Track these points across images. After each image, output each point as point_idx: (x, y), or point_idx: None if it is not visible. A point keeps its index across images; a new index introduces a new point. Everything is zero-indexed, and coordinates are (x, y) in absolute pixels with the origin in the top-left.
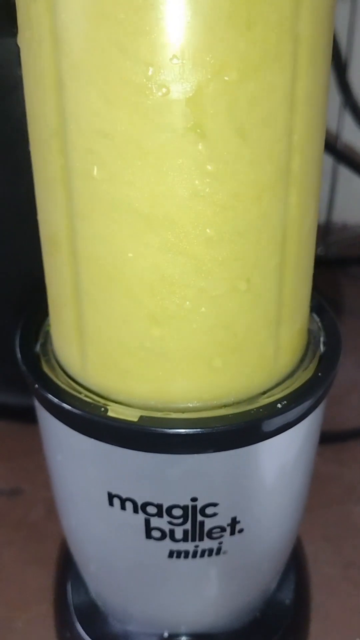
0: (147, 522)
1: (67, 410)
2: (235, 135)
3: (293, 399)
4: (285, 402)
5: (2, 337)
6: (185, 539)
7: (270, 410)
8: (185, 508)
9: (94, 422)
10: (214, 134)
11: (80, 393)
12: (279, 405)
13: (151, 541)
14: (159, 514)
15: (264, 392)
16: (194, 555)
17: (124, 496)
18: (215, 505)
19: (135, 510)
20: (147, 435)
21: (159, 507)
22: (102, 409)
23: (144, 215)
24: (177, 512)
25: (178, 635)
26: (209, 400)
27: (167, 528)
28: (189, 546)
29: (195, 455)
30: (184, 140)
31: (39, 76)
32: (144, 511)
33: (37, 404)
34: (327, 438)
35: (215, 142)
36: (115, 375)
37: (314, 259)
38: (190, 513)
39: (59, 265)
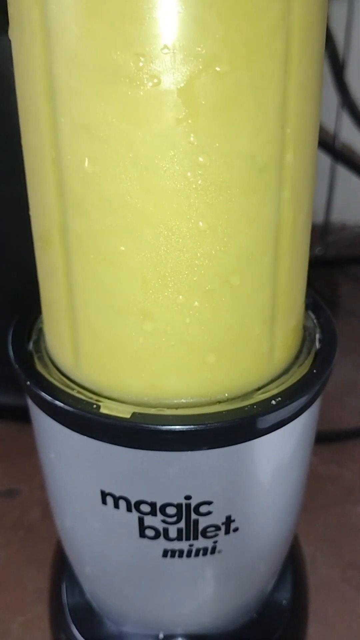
0: (141, 520)
1: (59, 407)
2: (227, 126)
3: (288, 395)
4: (279, 398)
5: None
6: (179, 537)
7: (265, 407)
8: (179, 506)
9: (86, 419)
10: (205, 125)
11: (72, 390)
12: (274, 402)
13: (145, 540)
14: (153, 513)
15: (259, 389)
16: (189, 554)
17: (117, 494)
18: (209, 503)
19: (129, 509)
20: (139, 432)
21: (153, 505)
22: (95, 405)
23: (136, 208)
24: (171, 510)
25: (174, 636)
26: (203, 396)
27: (161, 527)
28: (184, 545)
29: (189, 452)
30: (176, 132)
31: (30, 67)
32: (138, 509)
33: (29, 401)
34: (326, 438)
35: (207, 134)
36: (108, 372)
37: (308, 256)
38: (184, 511)
39: (51, 261)
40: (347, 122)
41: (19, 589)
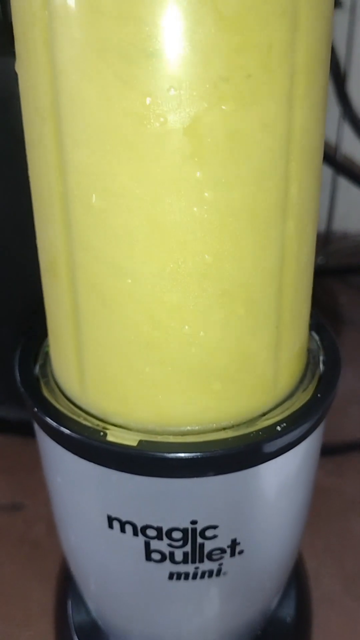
0: (147, 544)
1: (67, 435)
2: (232, 163)
3: (292, 421)
4: (284, 424)
5: (2, 352)
6: (185, 561)
7: (270, 433)
8: (185, 531)
9: (93, 446)
10: (211, 162)
11: (79, 416)
12: (279, 428)
13: (151, 563)
14: (159, 537)
15: (264, 414)
16: (194, 576)
17: (123, 519)
18: (215, 527)
19: (135, 533)
20: (146, 460)
21: (159, 530)
22: (101, 433)
23: (143, 242)
24: (177, 534)
25: None
26: (208, 423)
27: (167, 550)
28: (189, 568)
29: (195, 478)
30: (182, 169)
31: (37, 105)
32: (144, 534)
33: (36, 425)
34: (328, 450)
35: (213, 170)
36: (115, 399)
37: (312, 281)
38: (190, 536)
39: (58, 290)
40: (348, 133)
41: (24, 605)
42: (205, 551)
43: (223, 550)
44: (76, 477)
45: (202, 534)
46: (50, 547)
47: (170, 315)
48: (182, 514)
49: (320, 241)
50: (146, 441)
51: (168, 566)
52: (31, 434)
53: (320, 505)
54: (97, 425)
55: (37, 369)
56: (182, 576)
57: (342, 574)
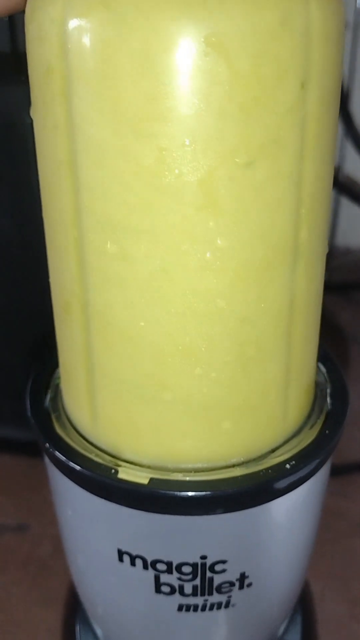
0: (157, 578)
1: (78, 471)
2: (244, 213)
3: (302, 458)
4: (294, 462)
5: (9, 373)
6: (194, 593)
7: (279, 471)
8: (194, 565)
9: (104, 483)
10: (224, 212)
11: (91, 452)
12: (288, 466)
13: (160, 595)
14: (169, 571)
15: (273, 450)
16: (203, 608)
17: (133, 553)
18: (224, 562)
19: (145, 567)
20: (157, 498)
21: (169, 564)
22: (113, 470)
23: (156, 287)
24: (186, 569)
25: None
26: (218, 460)
27: (176, 584)
28: (198, 600)
29: (205, 516)
30: (196, 218)
31: (53, 151)
32: (154, 568)
33: (46, 459)
34: (332, 471)
35: (226, 220)
36: (126, 436)
37: (320, 316)
38: (200, 570)
39: (70, 328)
40: (351, 152)
41: (31, 628)
42: (215, 584)
43: (232, 584)
44: (87, 512)
45: (212, 568)
46: (56, 567)
47: (182, 357)
48: (192, 550)
49: None
50: (157, 479)
51: (177, 598)
52: (36, 454)
53: (325, 527)
54: (109, 462)
55: (47, 401)
56: (191, 608)
57: (347, 597)
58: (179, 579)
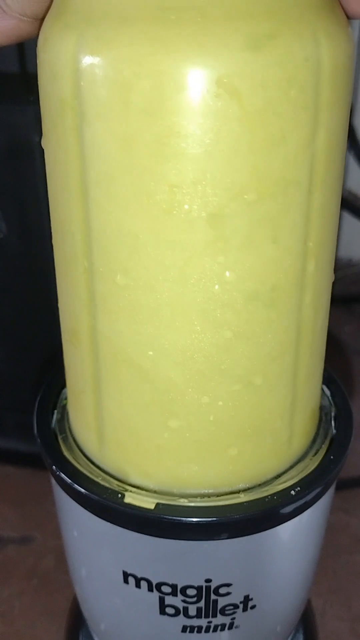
0: (162, 600)
1: (85, 495)
2: (253, 247)
3: (307, 484)
4: (299, 488)
5: (13, 386)
6: (198, 615)
7: (285, 497)
8: (199, 588)
9: (111, 507)
10: (233, 246)
11: (97, 476)
12: (293, 492)
13: (165, 617)
14: (174, 593)
15: (278, 476)
16: (207, 630)
17: (139, 575)
18: (229, 585)
19: (150, 589)
20: (163, 523)
21: (174, 587)
22: (119, 495)
23: (165, 317)
24: (191, 591)
25: None
26: (224, 486)
27: (181, 606)
28: (202, 622)
29: (210, 541)
30: (205, 253)
31: (64, 184)
32: (159, 590)
33: (53, 481)
34: None
35: (234, 254)
36: (133, 461)
37: (325, 342)
38: (204, 593)
39: (78, 353)
40: (353, 167)
41: None
42: (219, 607)
43: (236, 606)
44: (92, 534)
45: (216, 591)
46: (60, 580)
47: (190, 386)
48: (197, 573)
49: None
50: (163, 504)
51: (181, 620)
52: (40, 466)
53: (326, 542)
54: (116, 486)
55: (54, 422)
56: (195, 629)
57: (348, 614)
58: (184, 601)
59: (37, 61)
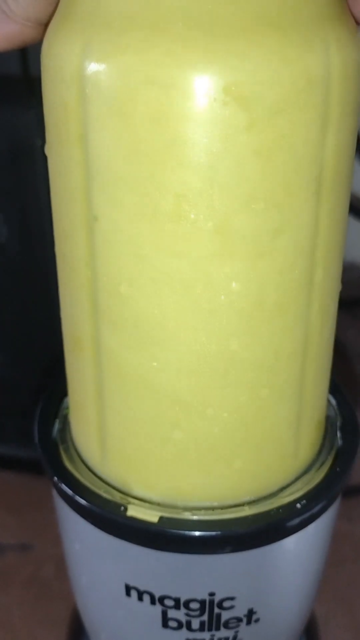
0: (164, 613)
1: (87, 507)
2: (260, 259)
3: (312, 497)
4: (304, 501)
5: (13, 392)
6: (201, 629)
7: (290, 511)
8: (202, 602)
9: (113, 520)
10: (240, 257)
11: (100, 488)
12: (299, 505)
13: (168, 630)
14: (177, 607)
15: (283, 488)
16: None
17: (141, 589)
18: (232, 598)
19: (153, 602)
20: (166, 537)
21: (177, 600)
22: (122, 507)
23: (170, 329)
24: (194, 605)
25: None
26: (228, 499)
27: (184, 619)
28: (205, 635)
29: (214, 555)
30: (211, 263)
31: (67, 191)
32: (162, 603)
33: (54, 491)
34: None
35: (241, 264)
36: (136, 473)
37: (332, 351)
38: (208, 606)
39: (81, 363)
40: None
41: None
42: (222, 620)
43: (239, 619)
44: (94, 546)
45: (220, 604)
46: (60, 589)
47: (194, 398)
48: (201, 587)
49: None
50: (167, 518)
51: (184, 633)
52: (40, 472)
53: (330, 550)
54: (118, 498)
55: (55, 432)
56: None
57: (352, 623)
58: (187, 614)
59: (41, 67)
